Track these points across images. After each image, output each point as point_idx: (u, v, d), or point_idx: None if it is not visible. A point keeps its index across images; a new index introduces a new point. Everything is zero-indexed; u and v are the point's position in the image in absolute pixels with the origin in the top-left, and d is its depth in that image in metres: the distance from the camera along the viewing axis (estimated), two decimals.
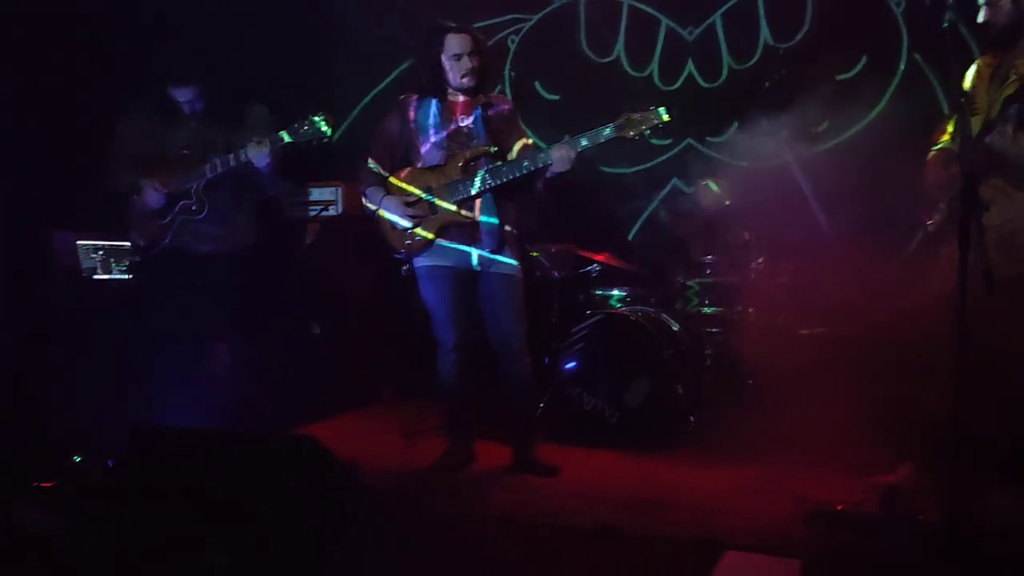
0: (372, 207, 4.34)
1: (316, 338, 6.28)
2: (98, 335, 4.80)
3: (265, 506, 3.02)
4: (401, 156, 4.38)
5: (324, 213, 6.27)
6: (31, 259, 5.14)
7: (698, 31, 6.33)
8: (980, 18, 3.72)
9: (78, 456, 3.99)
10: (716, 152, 6.12)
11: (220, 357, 5.01)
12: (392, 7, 6.96)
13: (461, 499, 4.01)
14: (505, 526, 3.60)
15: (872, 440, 4.03)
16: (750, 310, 5.25)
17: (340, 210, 6.28)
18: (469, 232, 4.25)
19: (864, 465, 4.04)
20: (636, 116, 3.95)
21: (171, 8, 5.53)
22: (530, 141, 4.42)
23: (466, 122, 4.30)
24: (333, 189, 6.29)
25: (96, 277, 5.31)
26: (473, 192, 4.18)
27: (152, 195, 4.61)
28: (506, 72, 6.71)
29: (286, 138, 4.34)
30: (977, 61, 3.86)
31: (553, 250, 5.75)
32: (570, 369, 5.13)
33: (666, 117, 3.95)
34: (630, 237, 6.48)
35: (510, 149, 4.32)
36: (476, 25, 4.49)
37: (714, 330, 5.43)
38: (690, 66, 6.34)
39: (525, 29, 6.80)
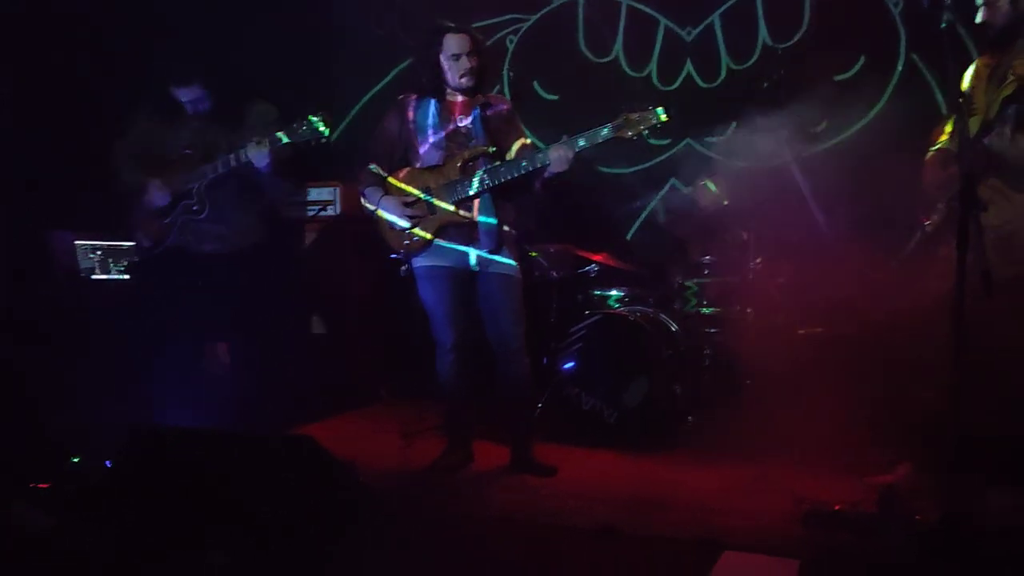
0: (370, 207, 4.34)
1: (315, 338, 6.29)
2: (98, 335, 4.79)
3: (263, 506, 3.03)
4: (400, 156, 4.38)
5: (322, 213, 6.28)
6: (30, 259, 5.14)
7: (697, 31, 6.33)
8: (978, 19, 3.73)
9: (76, 457, 3.99)
10: (714, 152, 6.13)
11: (219, 357, 5.02)
12: (391, 7, 6.97)
13: (460, 499, 4.01)
14: (504, 526, 3.60)
15: (870, 440, 4.05)
16: (748, 310, 5.25)
17: (338, 210, 6.29)
18: (467, 232, 4.25)
19: (862, 465, 4.06)
20: (634, 116, 3.95)
21: (171, 8, 5.53)
22: (528, 141, 4.42)
23: (465, 122, 4.30)
24: (331, 189, 6.30)
25: (94, 277, 5.30)
26: (471, 192, 4.18)
27: (155, 194, 4.62)
28: (505, 72, 6.72)
29: (284, 139, 4.34)
30: (975, 61, 3.87)
31: (551, 250, 5.75)
32: (568, 369, 5.13)
33: (664, 117, 3.95)
34: (628, 237, 6.48)
35: (508, 149, 4.32)
36: (475, 25, 4.50)
37: (712, 330, 5.42)
38: (688, 66, 6.34)
39: (524, 29, 6.80)
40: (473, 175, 4.18)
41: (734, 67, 6.22)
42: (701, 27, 6.32)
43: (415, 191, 4.27)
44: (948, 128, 3.98)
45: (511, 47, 6.80)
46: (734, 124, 5.94)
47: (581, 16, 6.64)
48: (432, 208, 4.25)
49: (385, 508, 3.60)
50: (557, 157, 4.03)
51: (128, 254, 5.40)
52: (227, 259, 4.66)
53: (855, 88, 5.71)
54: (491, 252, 4.25)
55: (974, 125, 3.64)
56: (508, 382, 4.37)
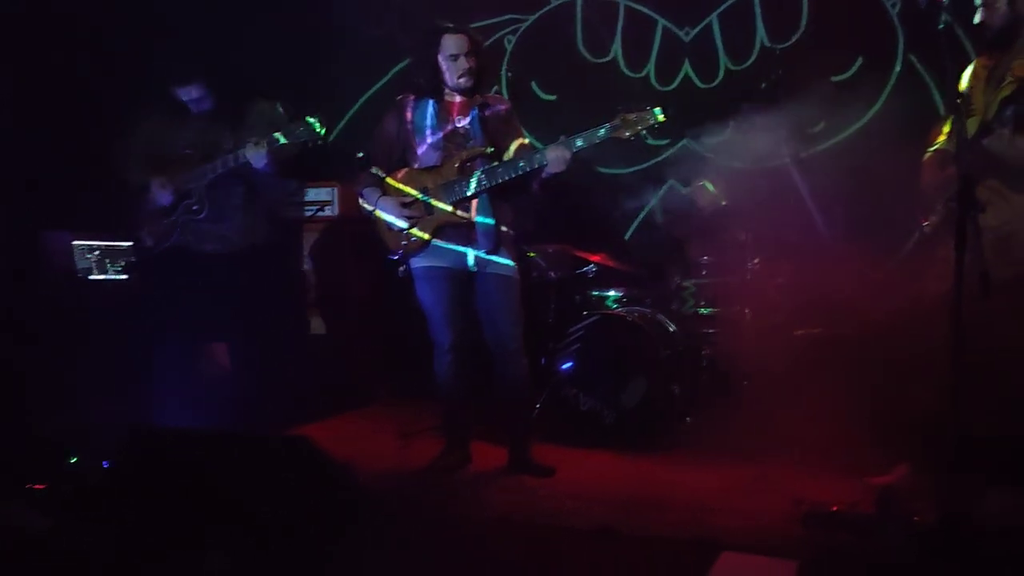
0: (368, 208, 4.35)
1: (313, 338, 6.28)
2: (97, 335, 4.79)
3: (263, 506, 3.02)
4: (398, 157, 4.38)
5: (320, 213, 6.28)
6: (29, 259, 5.13)
7: (695, 32, 6.33)
8: (976, 19, 3.73)
9: (74, 457, 3.99)
10: (713, 153, 6.10)
11: (216, 358, 5.01)
12: (390, 7, 6.96)
13: (458, 500, 4.02)
14: (502, 527, 3.60)
15: (868, 441, 4.04)
16: (746, 311, 5.24)
17: (336, 210, 6.28)
18: (465, 233, 4.25)
19: (860, 466, 4.05)
20: (631, 116, 3.96)
21: (171, 8, 5.53)
22: (527, 141, 4.43)
23: (463, 123, 4.30)
24: (329, 189, 6.29)
25: (92, 277, 5.30)
26: (469, 193, 4.18)
27: (157, 193, 4.62)
28: (503, 72, 6.72)
29: (281, 139, 4.33)
30: (973, 62, 3.86)
31: (550, 251, 5.74)
32: (567, 370, 5.13)
33: (662, 117, 3.96)
34: (627, 237, 6.48)
35: (507, 149, 4.32)
36: (473, 25, 4.50)
37: (710, 331, 5.43)
38: (687, 67, 6.34)
39: (522, 29, 6.80)
40: (471, 175, 4.18)
41: (732, 67, 6.22)
42: (699, 27, 6.32)
43: (413, 191, 4.27)
44: (946, 129, 3.97)
45: (509, 47, 6.80)
46: (732, 124, 5.94)
47: (579, 16, 6.64)
48: (430, 208, 4.25)
49: (382, 509, 3.60)
50: (554, 157, 4.03)
51: (126, 254, 5.40)
52: (227, 259, 4.65)
53: (853, 88, 5.71)
54: (489, 253, 4.25)
55: (972, 126, 3.64)
56: (506, 383, 4.37)
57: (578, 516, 3.69)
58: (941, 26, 3.28)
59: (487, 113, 4.32)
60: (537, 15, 6.77)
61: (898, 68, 5.75)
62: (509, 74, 6.69)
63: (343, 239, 6.24)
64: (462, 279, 4.31)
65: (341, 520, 3.17)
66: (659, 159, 6.35)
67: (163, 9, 5.54)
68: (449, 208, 4.21)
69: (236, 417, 4.41)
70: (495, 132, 4.33)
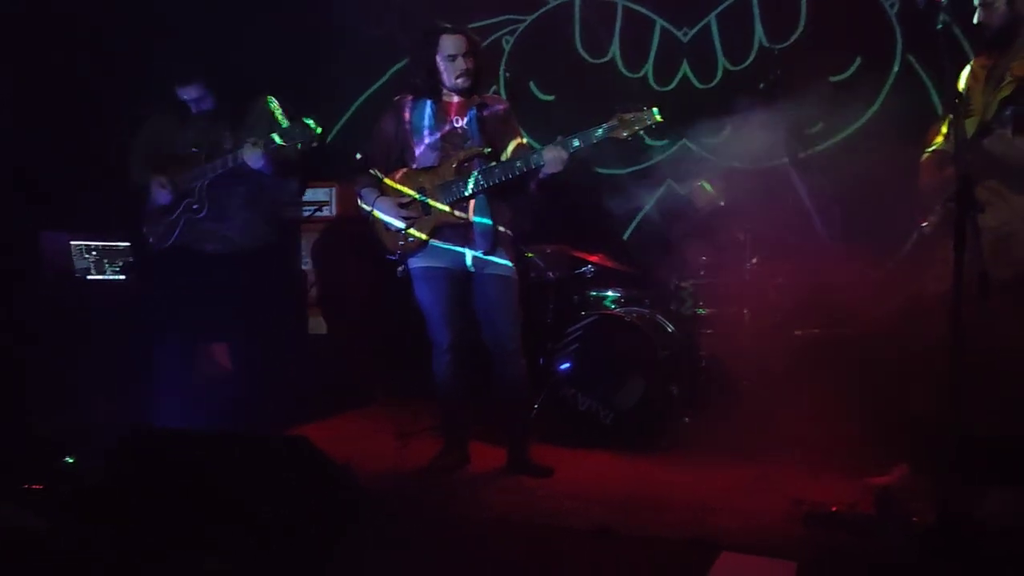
0: (366, 208, 4.34)
1: (313, 338, 6.28)
2: (97, 335, 4.78)
3: (261, 507, 3.02)
4: (396, 157, 4.38)
5: (318, 213, 6.28)
6: (28, 259, 5.13)
7: (693, 32, 6.33)
8: (975, 20, 3.74)
9: (71, 457, 3.98)
10: (711, 153, 6.12)
11: (216, 359, 5.01)
12: (389, 7, 6.96)
13: (457, 500, 4.01)
14: (500, 527, 3.60)
15: (868, 441, 4.05)
16: (745, 311, 5.25)
17: (334, 211, 6.28)
18: (463, 233, 4.25)
19: (859, 466, 4.06)
20: (628, 116, 3.96)
21: (171, 8, 5.53)
22: (524, 141, 4.43)
23: (460, 123, 4.30)
24: (327, 190, 6.30)
25: (90, 278, 5.29)
26: (467, 193, 4.18)
27: (158, 192, 4.62)
28: (501, 72, 6.72)
29: (278, 140, 4.34)
30: (971, 62, 3.87)
31: (548, 251, 5.73)
32: (565, 370, 5.13)
33: (659, 117, 3.96)
34: (625, 238, 6.47)
35: (504, 149, 4.32)
36: (471, 26, 4.49)
37: (709, 331, 5.43)
38: (685, 67, 6.34)
39: (520, 30, 6.80)
40: (468, 176, 4.18)
41: (730, 68, 6.22)
42: (697, 28, 6.32)
43: (410, 192, 4.27)
44: (944, 129, 3.96)
45: (507, 48, 6.80)
46: (730, 125, 5.94)
47: (577, 17, 6.64)
48: (427, 209, 4.24)
49: (383, 508, 3.60)
50: (552, 158, 4.03)
51: (123, 254, 5.40)
52: (228, 259, 4.65)
53: (851, 89, 5.71)
54: (487, 253, 4.25)
55: (971, 126, 3.64)
56: (504, 383, 4.37)
57: (577, 516, 3.69)
58: (939, 26, 3.29)
59: (485, 113, 4.33)
60: (535, 15, 6.77)
61: (896, 68, 5.75)
62: (507, 74, 6.69)
63: (343, 239, 6.24)
64: (460, 279, 4.31)
65: (341, 520, 3.17)
66: (657, 159, 6.35)
67: (163, 9, 5.55)
68: (447, 208, 4.21)
69: (236, 417, 4.41)
70: (493, 132, 4.33)
